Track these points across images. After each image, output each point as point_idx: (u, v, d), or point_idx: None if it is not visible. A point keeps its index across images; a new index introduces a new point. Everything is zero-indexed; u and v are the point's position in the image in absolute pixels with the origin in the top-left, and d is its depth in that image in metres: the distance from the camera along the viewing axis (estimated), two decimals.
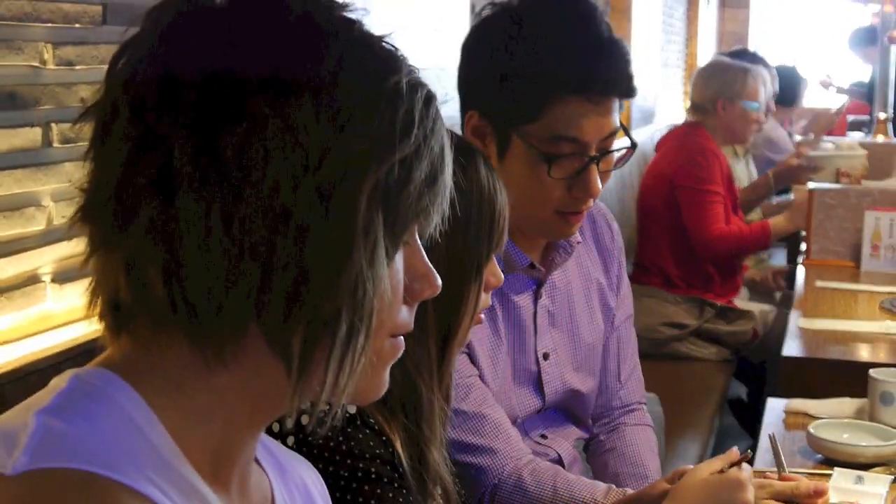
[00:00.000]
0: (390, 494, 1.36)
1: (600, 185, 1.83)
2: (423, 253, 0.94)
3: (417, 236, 0.93)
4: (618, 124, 1.85)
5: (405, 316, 0.93)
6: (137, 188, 0.82)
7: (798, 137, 6.23)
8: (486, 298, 1.51)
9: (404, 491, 1.38)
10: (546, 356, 2.00)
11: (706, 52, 8.40)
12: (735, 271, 4.31)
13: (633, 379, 2.17)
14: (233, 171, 0.81)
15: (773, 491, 1.66)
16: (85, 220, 0.85)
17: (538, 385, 2.01)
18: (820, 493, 1.65)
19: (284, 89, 0.82)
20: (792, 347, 2.91)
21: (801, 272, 3.87)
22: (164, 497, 0.81)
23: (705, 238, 4.06)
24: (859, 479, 1.94)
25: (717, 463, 1.60)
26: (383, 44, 0.89)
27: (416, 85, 0.88)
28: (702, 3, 8.40)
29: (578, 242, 2.01)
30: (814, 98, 7.18)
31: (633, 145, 1.92)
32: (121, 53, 0.85)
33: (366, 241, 0.83)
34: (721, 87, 4.32)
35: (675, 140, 4.35)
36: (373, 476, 1.36)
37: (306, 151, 0.81)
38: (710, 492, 1.56)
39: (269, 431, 1.30)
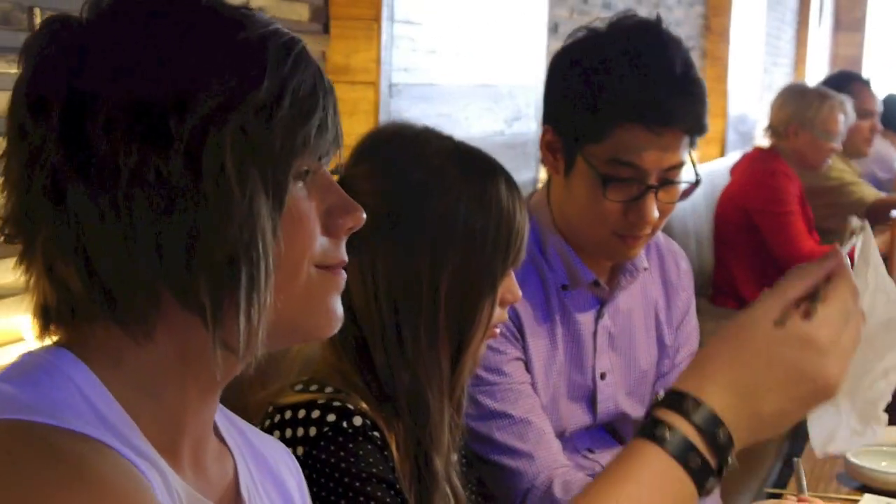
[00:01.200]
0: None
1: (656, 214, 1.87)
2: (338, 187, 0.99)
3: (327, 172, 0.99)
4: (683, 158, 1.89)
5: (328, 247, 0.97)
6: (35, 199, 0.90)
7: None
8: (501, 313, 1.53)
9: None
10: (603, 376, 2.04)
11: (817, 76, 8.29)
12: None
13: None
14: (106, 159, 0.88)
15: None
16: (7, 238, 0.93)
17: (592, 402, 2.04)
18: None
19: (130, 71, 0.89)
20: None
21: None
22: (121, 446, 0.86)
23: (797, 255, 3.98)
24: None
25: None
26: (232, 8, 0.95)
27: (268, 36, 0.93)
28: (812, 26, 8.30)
29: (645, 269, 2.05)
30: None
31: (697, 181, 1.95)
32: (19, 79, 0.93)
33: (241, 191, 0.89)
34: (795, 112, 4.28)
35: (747, 164, 4.34)
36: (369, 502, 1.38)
37: (165, 124, 0.88)
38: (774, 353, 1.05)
39: (284, 439, 1.36)
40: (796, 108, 4.29)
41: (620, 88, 1.84)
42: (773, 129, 4.38)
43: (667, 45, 1.88)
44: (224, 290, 0.90)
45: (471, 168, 1.49)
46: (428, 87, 2.76)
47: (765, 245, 4.12)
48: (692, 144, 1.90)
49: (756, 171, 4.22)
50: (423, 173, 1.46)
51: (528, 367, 1.95)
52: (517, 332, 1.94)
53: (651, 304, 2.11)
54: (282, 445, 1.18)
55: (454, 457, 1.51)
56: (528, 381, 1.93)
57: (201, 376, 0.95)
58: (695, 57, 5.74)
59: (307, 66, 0.95)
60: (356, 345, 1.46)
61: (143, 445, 0.91)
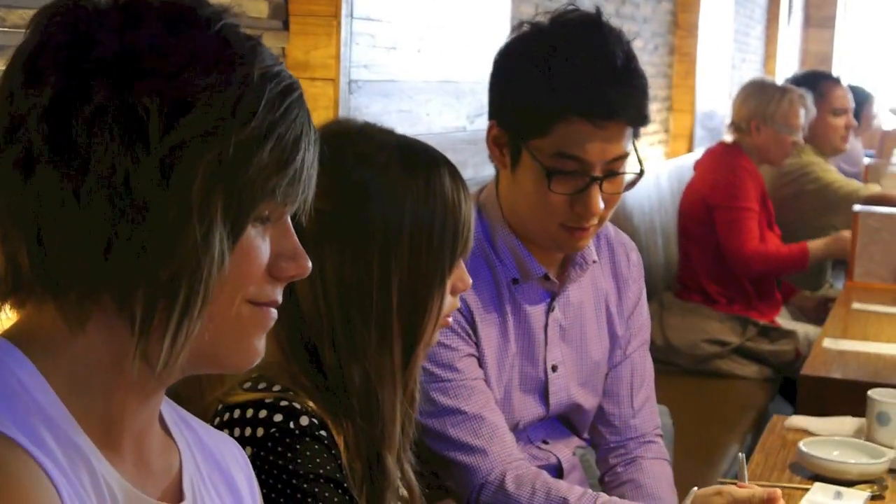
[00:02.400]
0: None
1: (602, 205, 1.90)
2: (293, 235, 1.01)
3: (287, 218, 1.01)
4: (627, 149, 1.92)
5: (268, 290, 1.00)
6: (4, 166, 0.91)
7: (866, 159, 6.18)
8: (453, 301, 1.56)
9: None
10: (555, 368, 2.07)
11: (787, 73, 8.34)
12: (773, 290, 4.31)
13: (647, 408, 2.19)
14: (81, 150, 0.89)
15: (731, 499, 1.71)
16: None
17: (544, 394, 2.07)
18: (773, 501, 1.69)
19: (129, 72, 0.90)
20: (812, 367, 2.92)
21: (842, 294, 3.87)
22: (40, 443, 0.88)
23: (739, 256, 4.09)
24: (838, 495, 1.96)
25: None
26: (245, 38, 0.97)
27: (272, 76, 0.95)
28: (782, 23, 8.35)
29: (594, 261, 2.08)
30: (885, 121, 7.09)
31: (641, 172, 1.98)
32: (22, 45, 0.95)
33: (201, 217, 0.91)
34: (756, 107, 4.31)
35: (710, 160, 4.37)
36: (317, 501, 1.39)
37: (147, 133, 0.90)
38: None
39: (239, 438, 1.37)
40: (757, 103, 4.32)
41: (562, 82, 1.87)
42: (735, 126, 4.41)
43: (607, 37, 1.90)
44: (158, 306, 0.92)
45: (414, 162, 1.50)
46: (388, 83, 2.77)
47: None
48: (636, 135, 1.93)
49: (718, 166, 4.26)
50: (366, 172, 1.47)
51: (480, 362, 1.98)
52: (469, 327, 1.97)
53: (602, 295, 2.14)
54: (232, 441, 1.19)
55: (408, 451, 1.52)
56: (480, 377, 1.96)
57: (135, 377, 0.97)
58: (663, 53, 5.83)
59: (298, 116, 0.97)
60: (305, 346, 1.47)
61: (79, 439, 0.92)
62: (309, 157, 0.99)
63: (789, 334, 4.11)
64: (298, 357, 1.46)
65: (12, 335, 0.96)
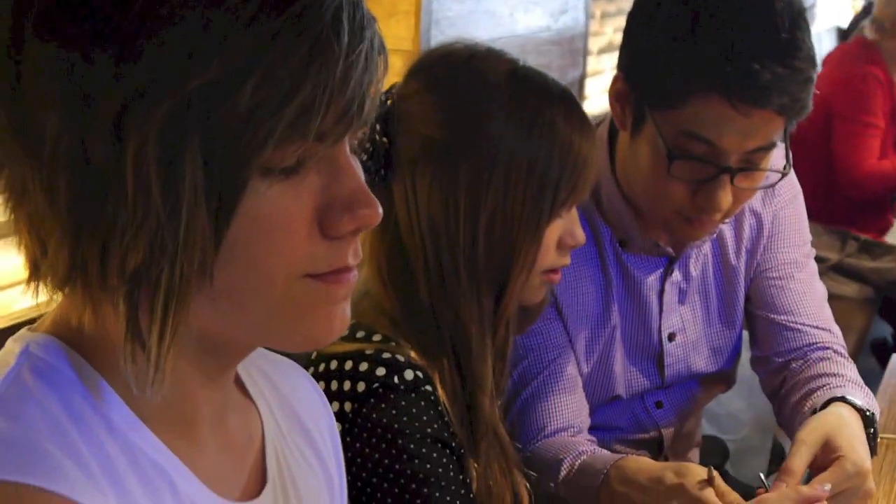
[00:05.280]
0: (437, 494, 1.29)
1: (729, 201, 1.58)
2: (348, 175, 0.79)
3: (340, 156, 0.79)
4: (773, 140, 1.58)
5: (326, 255, 0.79)
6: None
7: None
8: (558, 257, 1.39)
9: (452, 478, 1.31)
10: (672, 337, 1.82)
11: None
12: (886, 210, 3.94)
13: (833, 326, 1.87)
14: (33, 118, 0.73)
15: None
16: None
17: (658, 365, 1.83)
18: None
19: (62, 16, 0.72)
20: None
21: None
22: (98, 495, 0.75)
23: (854, 175, 3.71)
24: None
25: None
26: None
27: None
28: None
29: (724, 223, 1.77)
30: None
31: (786, 170, 1.65)
32: None
33: (166, 185, 0.72)
34: None
35: (841, 58, 3.94)
36: (420, 477, 1.29)
37: (87, 95, 0.72)
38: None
39: (329, 392, 1.28)
40: None
41: (705, 50, 1.51)
42: (876, 22, 3.92)
43: (774, 1, 1.53)
44: (141, 294, 0.75)
45: (526, 89, 1.34)
46: None
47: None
48: (788, 126, 1.59)
49: (847, 69, 3.82)
50: (473, 91, 1.34)
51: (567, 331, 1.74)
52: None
53: (738, 242, 1.85)
54: (304, 374, 1.06)
55: (498, 403, 1.42)
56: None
57: (194, 363, 0.83)
58: None
59: (312, 26, 0.73)
60: (402, 276, 1.35)
61: (159, 457, 0.81)
62: (355, 74, 0.74)
63: (894, 250, 3.79)
64: (396, 286, 1.36)
65: (64, 331, 0.81)
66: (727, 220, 1.77)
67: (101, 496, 0.75)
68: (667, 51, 1.55)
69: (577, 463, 1.59)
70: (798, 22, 1.53)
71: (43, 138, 0.73)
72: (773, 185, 1.69)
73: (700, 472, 1.44)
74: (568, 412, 1.70)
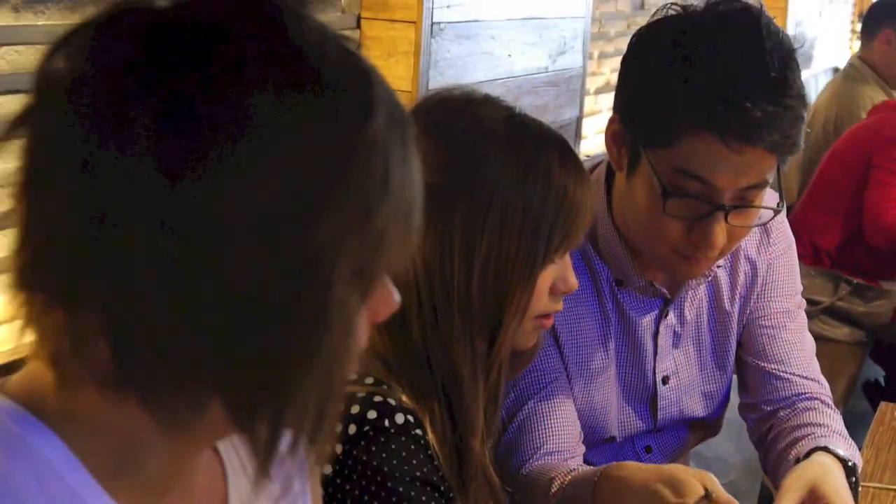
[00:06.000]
0: None
1: (723, 238, 1.59)
2: (385, 286, 0.87)
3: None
4: (766, 178, 1.59)
5: (364, 339, 0.85)
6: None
7: None
8: (551, 303, 1.40)
9: None
10: (665, 380, 1.84)
11: None
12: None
13: (819, 376, 1.90)
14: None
15: None
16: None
17: (651, 407, 1.85)
18: None
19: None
20: None
21: None
22: None
23: (881, 222, 3.59)
24: None
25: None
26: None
27: (396, 121, 0.82)
28: None
29: (718, 266, 1.80)
30: None
31: (779, 207, 1.67)
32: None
33: (340, 319, 0.76)
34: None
35: (890, 116, 3.82)
36: None
37: (270, 240, 0.72)
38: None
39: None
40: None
41: (697, 89, 1.53)
42: None
43: (763, 40, 1.54)
44: (285, 424, 0.77)
45: (522, 135, 1.35)
46: (471, 24, 2.52)
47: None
48: (781, 163, 1.60)
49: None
50: (470, 136, 1.35)
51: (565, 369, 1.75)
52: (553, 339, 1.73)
53: (731, 288, 1.87)
54: None
55: (489, 445, 1.42)
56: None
57: (191, 438, 0.83)
58: None
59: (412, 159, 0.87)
60: (395, 317, 1.28)
61: None
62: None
63: (886, 294, 3.79)
64: (389, 328, 1.34)
65: (40, 404, 0.78)
66: (722, 263, 1.80)
67: None
68: (659, 90, 1.57)
69: (568, 478, 1.61)
70: (788, 61, 1.55)
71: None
72: (766, 223, 1.71)
73: (691, 482, 1.44)
74: (564, 434, 1.71)
